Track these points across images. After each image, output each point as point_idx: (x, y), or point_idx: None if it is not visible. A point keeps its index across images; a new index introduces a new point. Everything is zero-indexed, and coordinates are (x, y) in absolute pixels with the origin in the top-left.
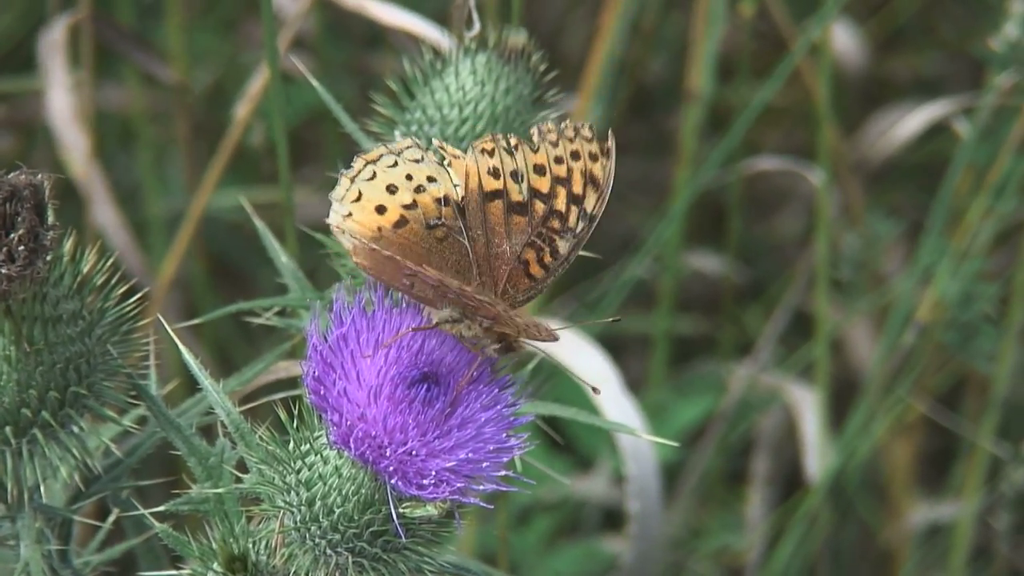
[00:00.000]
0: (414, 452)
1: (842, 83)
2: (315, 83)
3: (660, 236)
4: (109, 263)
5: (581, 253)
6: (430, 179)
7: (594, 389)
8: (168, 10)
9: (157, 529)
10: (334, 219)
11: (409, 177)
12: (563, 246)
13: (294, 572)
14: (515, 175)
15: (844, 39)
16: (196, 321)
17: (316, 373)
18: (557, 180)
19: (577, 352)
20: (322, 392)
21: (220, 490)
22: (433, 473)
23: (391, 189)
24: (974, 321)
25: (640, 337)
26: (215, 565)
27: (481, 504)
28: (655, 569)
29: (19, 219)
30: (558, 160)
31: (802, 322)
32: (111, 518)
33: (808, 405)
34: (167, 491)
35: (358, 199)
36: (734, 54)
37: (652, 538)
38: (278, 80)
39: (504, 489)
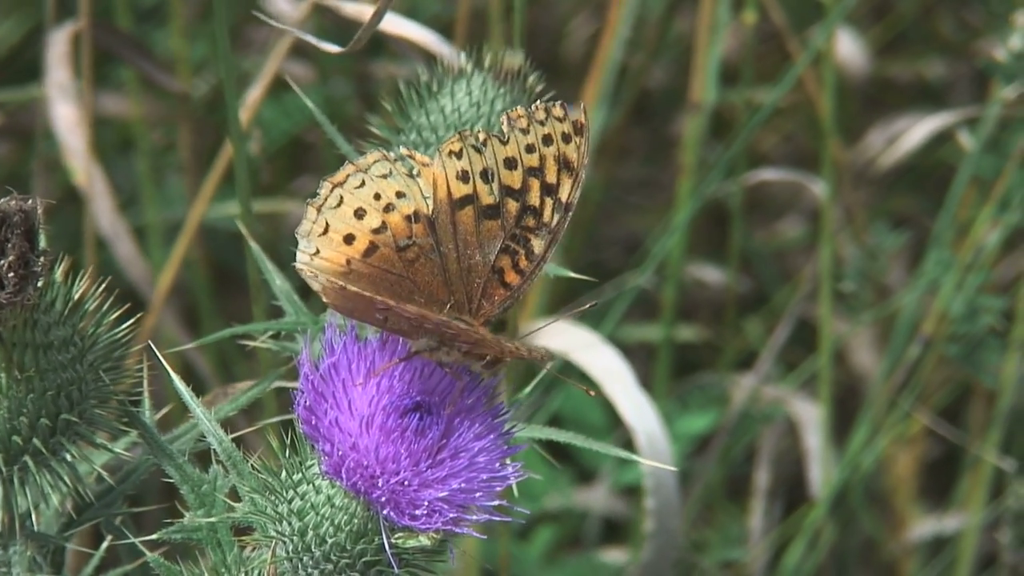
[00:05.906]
0: (406, 482)
1: (845, 88)
2: (308, 101)
3: (663, 248)
4: (102, 286)
5: (577, 276)
6: (399, 194)
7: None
8: (169, 16)
9: (148, 558)
10: (302, 260)
11: (377, 196)
12: (538, 245)
13: None
14: (485, 174)
15: (848, 46)
16: (192, 345)
17: (308, 403)
18: (530, 171)
19: (590, 350)
20: (313, 422)
21: (213, 519)
22: (426, 503)
23: (359, 213)
24: (979, 334)
25: (642, 346)
26: None
27: (474, 534)
28: (668, 568)
29: (9, 245)
30: (529, 148)
31: (805, 331)
32: (104, 545)
33: (812, 419)
34: (166, 517)
35: (325, 232)
36: (737, 57)
37: (669, 534)
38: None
39: (498, 519)
